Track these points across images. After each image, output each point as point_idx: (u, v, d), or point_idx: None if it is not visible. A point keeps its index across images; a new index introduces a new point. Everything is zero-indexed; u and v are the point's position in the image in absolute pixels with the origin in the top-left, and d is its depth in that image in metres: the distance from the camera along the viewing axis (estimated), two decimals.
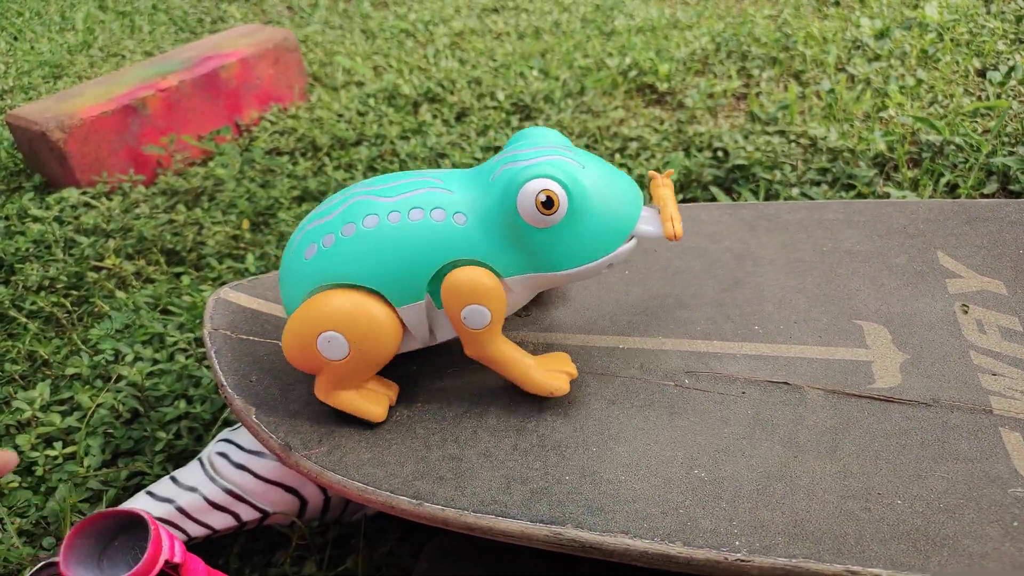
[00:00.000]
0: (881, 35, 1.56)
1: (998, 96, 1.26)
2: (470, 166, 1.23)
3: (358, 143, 1.37)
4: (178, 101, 1.33)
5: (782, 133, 1.26)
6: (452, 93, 1.51)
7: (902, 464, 0.48)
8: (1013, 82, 1.32)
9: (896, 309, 0.60)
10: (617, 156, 1.22)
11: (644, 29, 1.80)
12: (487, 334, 0.52)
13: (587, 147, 1.27)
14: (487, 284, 0.50)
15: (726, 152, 1.20)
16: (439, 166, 1.23)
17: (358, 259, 0.50)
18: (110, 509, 0.50)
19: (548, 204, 0.49)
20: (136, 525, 0.50)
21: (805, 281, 0.64)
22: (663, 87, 1.47)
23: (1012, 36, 1.48)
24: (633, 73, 1.52)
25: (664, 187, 0.56)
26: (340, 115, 1.46)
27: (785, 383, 0.55)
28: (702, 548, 0.43)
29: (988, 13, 1.59)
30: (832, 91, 1.34)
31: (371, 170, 1.26)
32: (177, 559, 0.49)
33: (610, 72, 1.53)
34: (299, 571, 0.65)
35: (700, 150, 1.23)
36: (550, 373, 0.54)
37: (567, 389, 0.54)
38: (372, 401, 0.54)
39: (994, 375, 0.54)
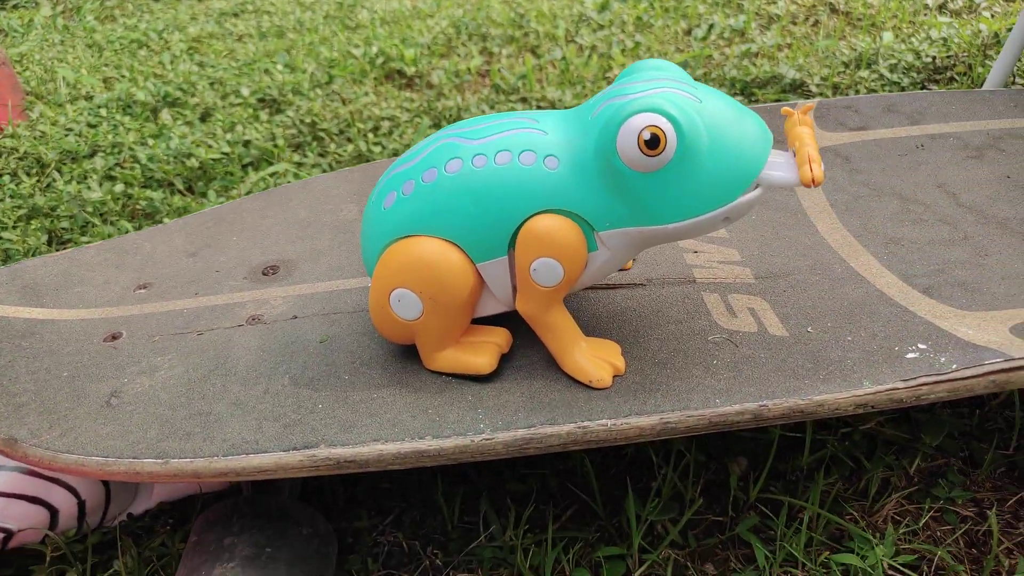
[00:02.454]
0: (602, 8, 1.70)
1: (702, 49, 1.42)
2: (219, 160, 1.18)
3: (92, 154, 1.26)
4: None
5: (524, 99, 1.33)
6: (193, 95, 1.45)
7: (624, 333, 0.53)
8: (713, 36, 1.50)
9: None
10: (371, 135, 1.23)
11: (387, 20, 1.82)
12: (552, 294, 0.46)
13: (340, 132, 1.27)
14: (569, 238, 0.44)
15: None
16: (184, 164, 1.17)
17: (436, 208, 0.45)
18: None
19: (653, 143, 0.41)
20: None
21: None
22: (411, 71, 1.50)
23: (710, 0, 1.67)
24: (380, 60, 1.54)
25: (802, 125, 0.45)
26: (69, 129, 1.35)
27: None
28: (450, 437, 0.45)
29: None
30: (564, 59, 1.44)
31: (108, 179, 1.18)
32: None
33: (358, 61, 1.54)
34: None
35: (451, 121, 1.27)
36: (596, 360, 0.48)
37: (609, 383, 0.48)
38: (476, 352, 0.49)
39: (696, 252, 0.61)
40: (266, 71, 1.53)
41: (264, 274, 0.64)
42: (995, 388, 0.46)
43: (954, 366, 0.46)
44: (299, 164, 1.18)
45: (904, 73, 1.21)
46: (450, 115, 1.28)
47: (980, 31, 1.28)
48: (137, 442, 0.48)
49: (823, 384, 0.46)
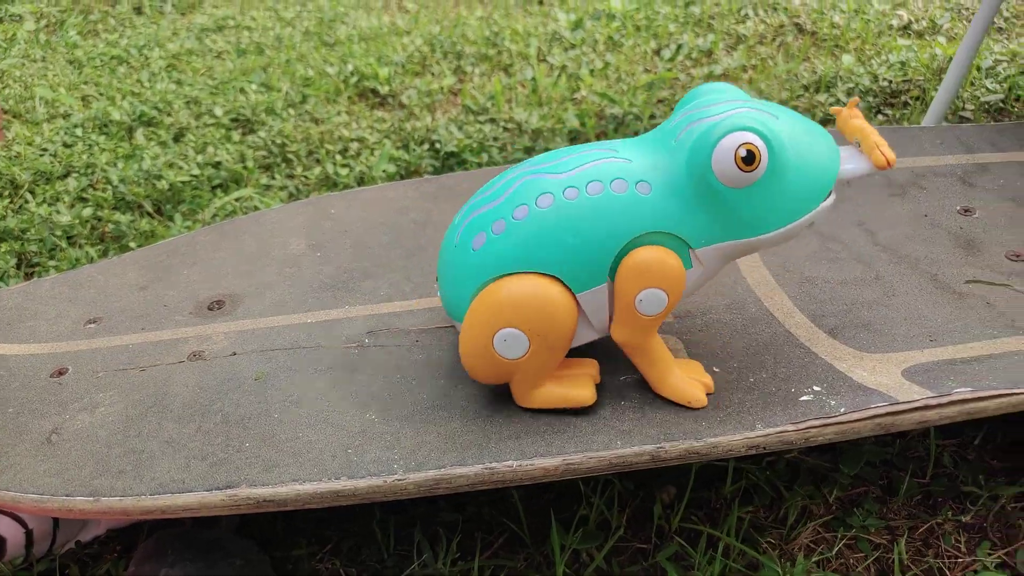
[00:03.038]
0: (576, 27, 1.73)
1: (668, 70, 1.45)
2: (189, 182, 1.21)
3: (66, 175, 1.29)
4: None
5: (492, 120, 1.36)
6: (169, 115, 1.47)
7: None
8: (680, 57, 1.52)
9: None
10: (339, 157, 1.26)
11: (365, 37, 1.85)
12: (654, 322, 0.48)
13: (309, 153, 1.30)
14: (673, 267, 0.46)
15: (442, 143, 1.28)
16: (155, 186, 1.19)
17: (533, 243, 0.46)
18: None
19: (749, 159, 0.44)
20: None
21: None
22: (384, 90, 1.53)
23: (682, 19, 1.69)
24: (355, 79, 1.57)
25: (856, 118, 0.50)
26: (44, 149, 1.37)
27: (452, 327, 0.61)
28: (364, 478, 0.48)
29: (665, 1, 1.81)
30: (533, 79, 1.47)
31: (80, 200, 1.20)
32: None
33: (332, 80, 1.56)
34: None
35: (420, 144, 1.29)
36: (691, 382, 0.51)
37: (705, 401, 0.50)
38: (577, 386, 0.50)
39: None
40: (241, 90, 1.55)
41: (210, 309, 0.66)
42: (881, 431, 0.48)
43: (842, 409, 0.48)
44: (267, 187, 1.20)
45: (860, 97, 1.24)
46: (418, 136, 1.31)
47: (936, 55, 1.31)
48: (72, 480, 0.50)
49: (719, 426, 0.49)
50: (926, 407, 0.48)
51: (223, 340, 0.62)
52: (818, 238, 0.67)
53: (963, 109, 1.17)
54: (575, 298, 0.47)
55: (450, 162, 1.22)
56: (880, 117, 1.20)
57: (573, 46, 1.64)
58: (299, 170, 1.22)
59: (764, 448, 0.48)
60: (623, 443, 0.48)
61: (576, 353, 0.54)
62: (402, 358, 0.58)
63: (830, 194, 0.47)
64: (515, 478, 0.47)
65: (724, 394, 0.52)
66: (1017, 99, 1.19)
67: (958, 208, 0.70)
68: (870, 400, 0.49)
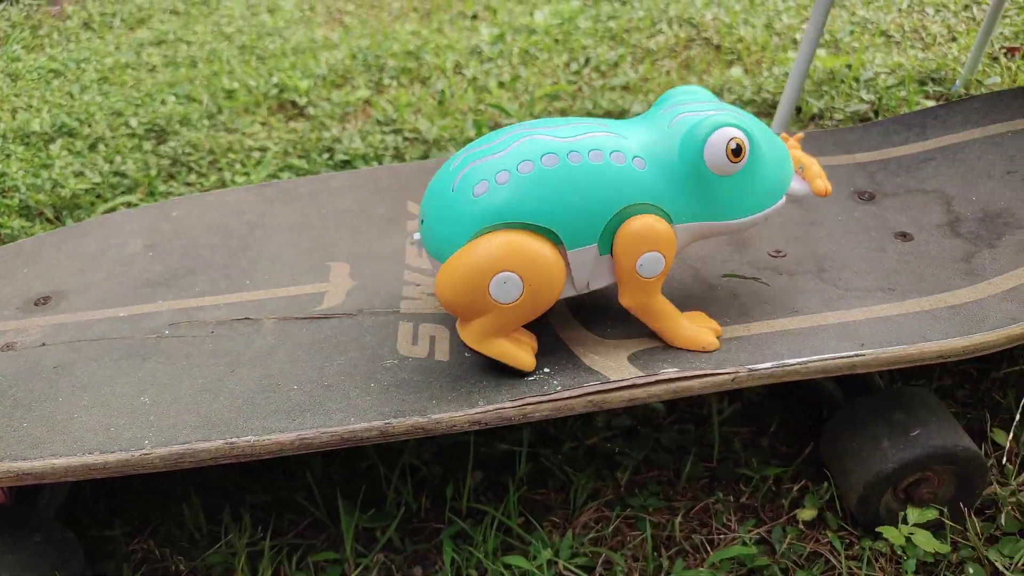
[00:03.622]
0: (497, 40, 1.78)
1: (572, 82, 1.50)
2: (91, 189, 1.25)
3: None
4: None
5: (397, 131, 1.41)
6: (89, 126, 1.51)
7: (324, 361, 0.59)
8: (587, 70, 1.57)
9: (363, 249, 0.73)
10: (238, 166, 1.30)
11: (297, 51, 1.90)
12: (656, 283, 0.53)
13: (212, 162, 1.34)
14: (666, 232, 0.52)
15: (333, 152, 1.32)
16: (58, 194, 1.24)
17: (538, 197, 0.50)
18: None
19: (737, 152, 0.51)
20: None
21: (301, 238, 0.75)
22: (303, 102, 1.57)
23: (600, 33, 1.75)
24: (275, 91, 1.61)
25: (796, 148, 0.59)
26: None
27: (247, 318, 0.65)
28: (115, 452, 0.51)
29: (587, 16, 1.87)
30: (442, 91, 1.51)
31: None
32: None
33: (254, 92, 1.61)
34: None
35: (320, 153, 1.34)
36: (700, 329, 0.56)
37: (717, 344, 0.56)
38: (523, 350, 0.54)
39: (417, 285, 0.67)
40: (162, 102, 1.60)
41: (36, 304, 0.70)
42: (593, 407, 0.52)
43: (558, 387, 0.53)
44: (167, 194, 1.24)
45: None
46: (324, 145, 1.35)
47: (816, 68, 1.36)
48: None
49: (447, 404, 0.53)
50: (633, 386, 0.52)
51: (37, 333, 0.66)
52: None
53: (831, 118, 1.22)
54: (565, 256, 0.52)
55: (345, 169, 1.27)
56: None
57: (490, 59, 1.69)
58: (193, 178, 1.26)
59: (485, 424, 0.52)
60: (356, 420, 0.52)
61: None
62: (193, 347, 0.62)
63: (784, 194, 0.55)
64: (254, 452, 0.51)
65: (467, 375, 0.56)
66: (887, 109, 1.24)
67: None
68: (587, 380, 0.53)
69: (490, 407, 0.52)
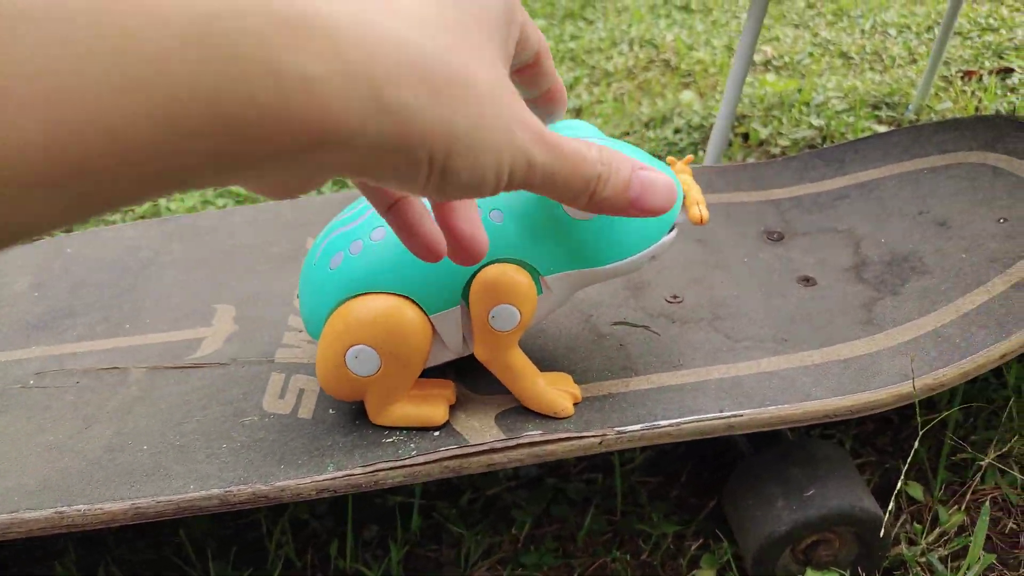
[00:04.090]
0: None
1: None
2: None
3: None
4: None
5: None
6: None
7: (183, 417, 0.56)
8: None
9: (253, 289, 0.70)
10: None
11: None
12: (510, 338, 0.49)
13: None
14: (521, 283, 0.48)
15: None
16: None
17: (388, 264, 0.47)
18: None
19: None
20: None
21: (192, 277, 0.72)
22: None
23: (562, 53, 1.72)
24: None
25: (684, 173, 0.54)
26: None
27: (115, 367, 0.62)
28: None
29: (549, 36, 1.84)
30: None
31: None
32: None
33: None
34: None
35: None
36: (558, 392, 0.52)
37: (572, 411, 0.52)
38: (429, 405, 0.52)
39: (299, 331, 0.64)
40: None
41: None
42: (451, 473, 0.49)
43: (413, 451, 0.49)
44: (105, 221, 1.21)
45: (687, 133, 1.26)
46: None
47: (765, 93, 1.33)
48: None
49: (296, 469, 0.49)
50: (492, 450, 0.49)
51: None
52: None
53: (776, 145, 1.19)
54: (429, 319, 0.49)
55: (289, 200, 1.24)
56: (701, 153, 1.22)
57: None
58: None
59: (334, 491, 0.49)
60: (196, 487, 0.49)
61: (434, 373, 0.55)
62: (55, 399, 0.59)
63: (673, 228, 0.49)
64: (85, 522, 0.48)
65: (325, 435, 0.52)
66: (835, 135, 1.21)
67: None
68: (446, 443, 0.50)
69: (339, 473, 0.49)
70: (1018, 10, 1.63)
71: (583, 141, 0.27)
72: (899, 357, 0.54)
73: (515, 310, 0.48)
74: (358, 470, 0.49)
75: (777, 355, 0.56)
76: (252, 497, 0.48)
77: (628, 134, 1.30)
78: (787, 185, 0.75)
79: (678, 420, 0.50)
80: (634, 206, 0.29)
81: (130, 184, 0.18)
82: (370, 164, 0.21)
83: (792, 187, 0.74)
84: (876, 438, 0.72)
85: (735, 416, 0.50)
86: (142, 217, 1.19)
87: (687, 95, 1.38)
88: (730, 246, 0.69)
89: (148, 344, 0.64)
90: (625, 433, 0.50)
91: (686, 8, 1.94)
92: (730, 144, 1.23)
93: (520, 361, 0.51)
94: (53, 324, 0.68)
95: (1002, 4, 1.67)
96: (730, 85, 0.91)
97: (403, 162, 0.22)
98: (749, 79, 1.43)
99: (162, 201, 1.24)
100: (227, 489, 0.48)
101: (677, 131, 1.27)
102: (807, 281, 0.64)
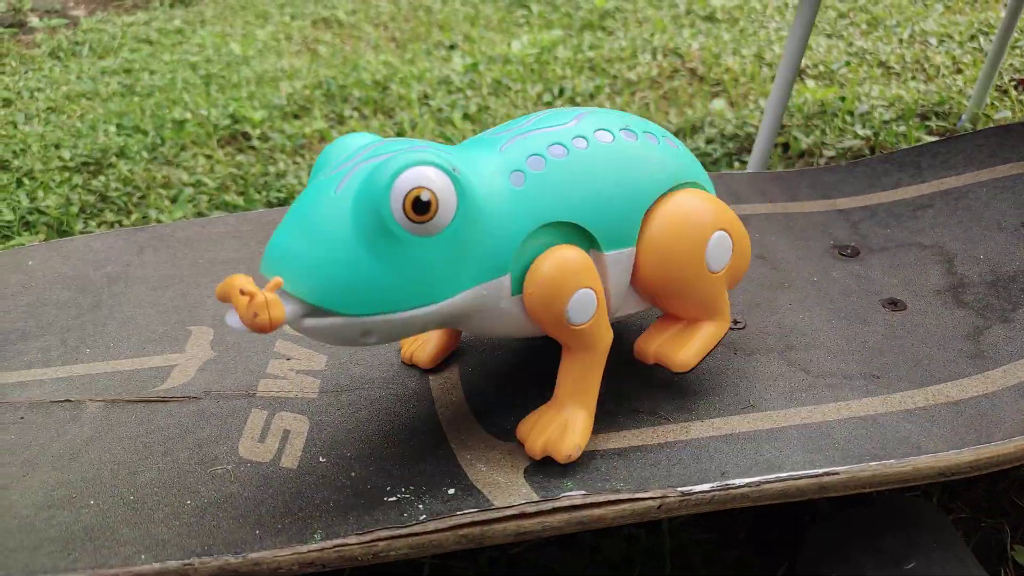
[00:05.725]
0: (469, 70, 1.67)
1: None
2: (22, 221, 1.13)
3: None
4: None
5: None
6: (18, 158, 1.40)
7: (141, 463, 0.46)
8: (561, 101, 1.46)
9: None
10: (167, 203, 1.18)
11: (261, 80, 1.80)
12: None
13: (141, 198, 1.23)
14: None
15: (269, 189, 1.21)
16: None
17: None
18: None
19: None
20: None
21: (165, 295, 0.63)
22: (256, 133, 1.46)
23: (581, 63, 1.64)
24: (228, 123, 1.50)
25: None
26: None
27: (68, 400, 0.52)
28: None
29: (568, 46, 1.76)
30: (399, 123, 1.40)
31: None
32: None
33: (204, 124, 1.50)
34: None
35: (258, 190, 1.22)
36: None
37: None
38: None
39: (287, 359, 0.54)
40: (105, 132, 1.49)
41: None
42: (470, 544, 0.39)
43: (422, 516, 0.39)
44: (84, 233, 1.12)
45: (721, 143, 1.17)
46: (266, 183, 1.23)
47: (806, 100, 1.24)
48: None
49: (274, 536, 0.39)
50: (522, 515, 0.39)
51: None
52: None
53: (821, 155, 1.09)
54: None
55: (286, 206, 1.14)
56: (737, 164, 1.12)
57: (459, 89, 1.58)
58: (110, 215, 1.14)
59: (323, 566, 0.38)
60: (149, 557, 0.39)
61: None
62: None
63: None
64: None
65: (311, 490, 0.42)
66: (885, 146, 1.11)
67: None
68: (464, 504, 0.39)
69: (327, 544, 0.38)
70: None
71: None
72: (1023, 399, 0.44)
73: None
74: (352, 539, 0.38)
75: (870, 395, 0.45)
76: (218, 572, 0.38)
77: None
78: (856, 193, 0.64)
79: (757, 480, 0.40)
80: None
81: None
82: None
83: (862, 195, 0.64)
84: (966, 489, 0.61)
85: (829, 475, 0.40)
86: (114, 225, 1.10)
87: (718, 104, 1.29)
88: (794, 262, 0.58)
89: (109, 372, 0.55)
90: (691, 495, 0.39)
91: (710, 18, 1.86)
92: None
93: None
94: (3, 349, 0.58)
95: None
96: (775, 90, 0.82)
97: None
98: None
99: (152, 212, 1.15)
100: (186, 561, 0.38)
101: (710, 141, 1.17)
102: (894, 305, 0.53)
